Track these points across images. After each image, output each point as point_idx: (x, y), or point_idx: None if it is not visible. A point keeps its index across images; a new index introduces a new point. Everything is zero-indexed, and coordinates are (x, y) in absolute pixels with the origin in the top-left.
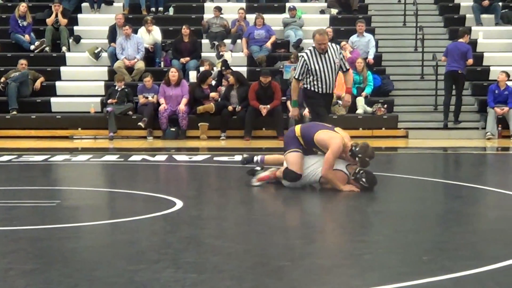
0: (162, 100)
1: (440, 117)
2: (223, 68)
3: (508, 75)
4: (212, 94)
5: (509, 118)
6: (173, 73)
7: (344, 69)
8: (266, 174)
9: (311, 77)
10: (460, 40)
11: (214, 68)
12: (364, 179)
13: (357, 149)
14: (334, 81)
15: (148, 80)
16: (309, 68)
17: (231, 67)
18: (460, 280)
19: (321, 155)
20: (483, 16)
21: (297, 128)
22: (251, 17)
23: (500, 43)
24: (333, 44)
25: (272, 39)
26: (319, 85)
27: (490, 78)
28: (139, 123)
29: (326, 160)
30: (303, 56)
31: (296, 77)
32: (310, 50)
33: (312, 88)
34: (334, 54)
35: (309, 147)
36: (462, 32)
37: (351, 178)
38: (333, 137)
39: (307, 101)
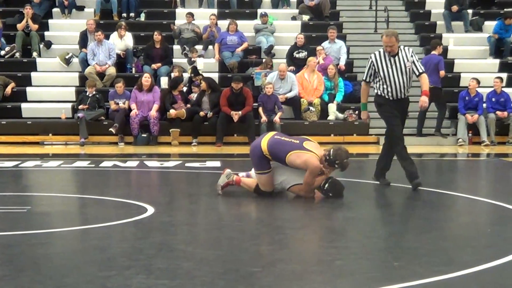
0: (133, 106)
1: (411, 123)
2: (192, 74)
3: (478, 82)
4: (180, 112)
5: (480, 124)
6: (147, 79)
7: (417, 73)
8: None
9: (380, 81)
10: (433, 52)
11: (184, 74)
12: (331, 194)
13: (331, 156)
14: (406, 85)
15: (120, 86)
16: (377, 71)
17: (203, 73)
18: (431, 286)
19: (290, 169)
20: (454, 23)
21: (264, 145)
22: (222, 23)
23: (470, 50)
24: (406, 47)
25: (244, 45)
26: (388, 90)
27: (461, 85)
28: (110, 129)
29: (306, 183)
30: (370, 57)
31: (364, 78)
32: (379, 51)
33: (382, 93)
34: (405, 57)
35: (280, 163)
36: (434, 43)
37: (320, 191)
38: (308, 159)
39: (377, 108)
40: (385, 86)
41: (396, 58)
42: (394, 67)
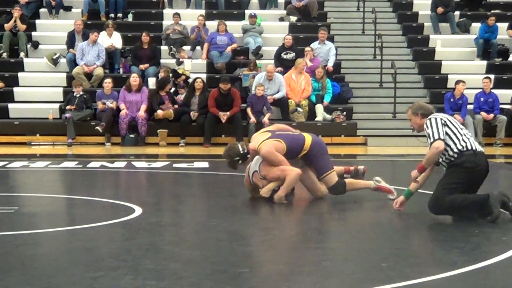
0: (122, 106)
1: (398, 124)
2: (173, 78)
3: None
4: (167, 113)
5: (467, 126)
6: (135, 78)
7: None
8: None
9: None
10: None
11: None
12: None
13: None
14: None
15: (109, 82)
16: None
17: (190, 74)
18: (418, 287)
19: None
20: (441, 24)
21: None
22: (210, 24)
23: (457, 51)
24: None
25: (233, 45)
26: None
27: (448, 86)
28: (97, 127)
29: None
30: None
31: None
32: None
33: None
34: None
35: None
36: None
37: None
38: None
39: None
40: None
41: None
42: None
